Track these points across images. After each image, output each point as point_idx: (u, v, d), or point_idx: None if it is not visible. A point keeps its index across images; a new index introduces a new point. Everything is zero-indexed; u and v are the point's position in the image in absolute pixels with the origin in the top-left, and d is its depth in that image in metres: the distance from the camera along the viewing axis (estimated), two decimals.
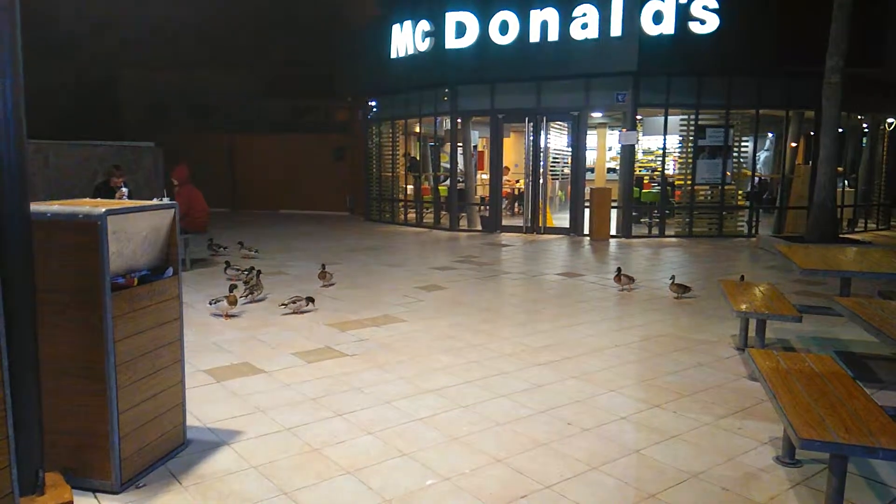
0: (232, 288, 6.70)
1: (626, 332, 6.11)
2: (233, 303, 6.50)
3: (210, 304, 6.50)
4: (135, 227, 3.20)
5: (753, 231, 13.51)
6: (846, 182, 14.87)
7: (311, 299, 6.76)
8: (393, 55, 15.11)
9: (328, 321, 6.40)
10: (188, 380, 4.65)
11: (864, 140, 15.51)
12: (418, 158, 16.31)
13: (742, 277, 6.68)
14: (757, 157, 14.96)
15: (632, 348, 5.62)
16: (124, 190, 9.11)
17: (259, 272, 7.60)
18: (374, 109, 17.22)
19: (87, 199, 3.73)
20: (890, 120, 15.43)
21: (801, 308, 5.24)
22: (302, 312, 6.70)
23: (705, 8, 12.11)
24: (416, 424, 3.93)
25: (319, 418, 4.01)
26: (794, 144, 14.34)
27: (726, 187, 13.28)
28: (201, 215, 9.06)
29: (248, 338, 5.82)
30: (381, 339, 5.82)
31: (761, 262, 10.39)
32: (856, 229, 14.49)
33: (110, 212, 2.95)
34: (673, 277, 7.66)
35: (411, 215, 16.09)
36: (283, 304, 6.70)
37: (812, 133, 14.57)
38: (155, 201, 9.07)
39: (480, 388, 4.56)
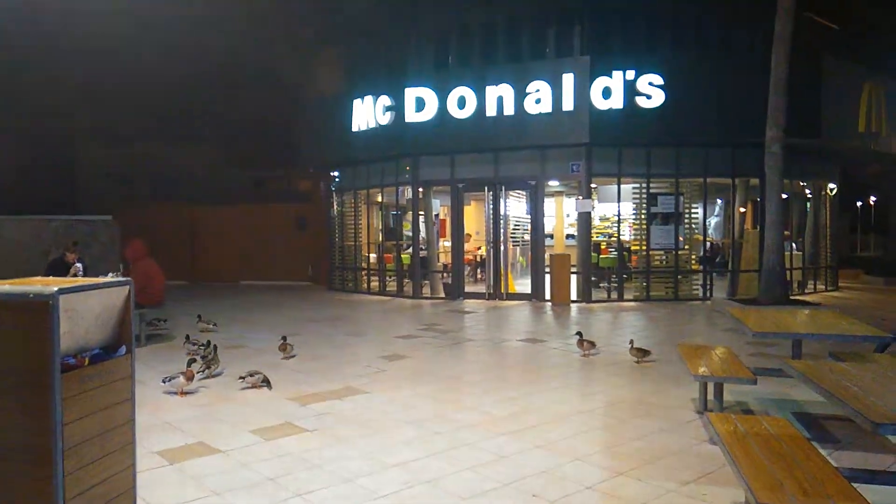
0: (189, 363, 6.51)
1: (590, 399, 6.13)
2: (189, 378, 6.31)
3: (163, 381, 6.29)
4: (87, 306, 3.14)
5: (708, 294, 13.86)
6: (794, 245, 15.49)
7: (266, 381, 6.54)
8: (354, 128, 15.44)
9: (288, 395, 6.25)
10: (139, 462, 4.47)
11: (808, 205, 16.29)
12: (392, 227, 16.48)
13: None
14: (708, 223, 15.53)
15: (596, 415, 5.63)
16: (79, 266, 8.91)
17: (215, 346, 7.43)
18: (337, 180, 17.42)
19: (39, 278, 3.65)
20: (831, 186, 16.28)
21: (757, 371, 5.36)
22: (261, 386, 6.53)
23: (651, 84, 12.81)
24: (379, 503, 3.82)
25: (278, 500, 3.87)
26: (742, 210, 14.97)
27: (680, 252, 13.69)
28: (157, 290, 8.87)
29: (205, 416, 5.63)
30: (342, 412, 5.70)
31: (717, 325, 10.63)
32: (806, 291, 15.00)
33: (63, 290, 2.89)
34: (632, 342, 7.76)
35: (374, 284, 16.07)
36: (241, 378, 6.53)
37: (758, 199, 15.27)
38: (110, 276, 8.93)
39: (445, 461, 4.48)
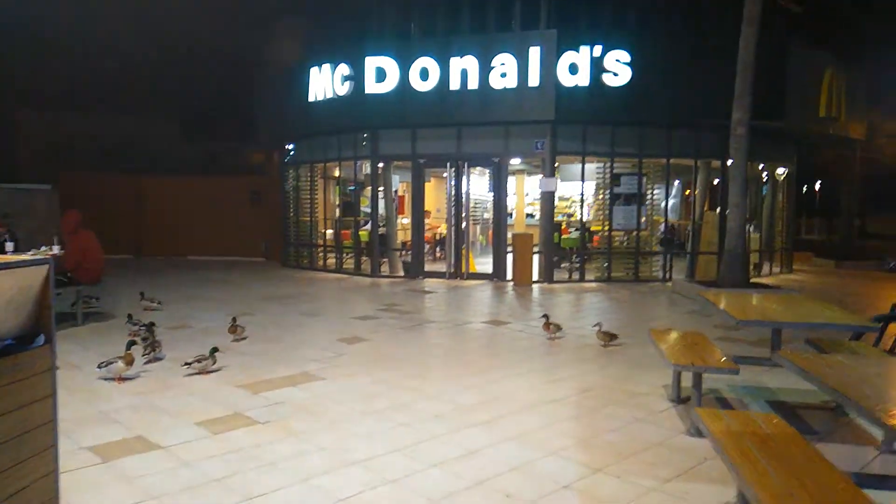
0: (129, 345, 5.95)
1: (559, 385, 5.87)
2: (129, 363, 5.78)
3: (99, 367, 5.73)
4: None
5: (667, 276, 13.85)
6: (750, 228, 15.61)
7: (214, 350, 6.14)
8: (311, 98, 14.77)
9: (238, 382, 5.80)
10: (68, 460, 4.01)
11: (765, 188, 16.42)
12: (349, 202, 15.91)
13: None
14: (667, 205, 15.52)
15: (567, 403, 5.37)
16: (9, 244, 8.12)
17: (151, 325, 6.91)
18: (292, 153, 16.72)
19: None
20: (780, 170, 16.42)
21: (736, 359, 5.17)
22: (208, 372, 6.06)
23: (618, 61, 12.56)
24: None
25: None
26: (699, 193, 14.97)
27: (641, 233, 13.61)
28: (95, 265, 8.20)
29: (144, 405, 5.14)
30: (297, 401, 5.29)
31: (679, 307, 10.56)
32: (762, 273, 15.17)
33: None
34: (599, 325, 7.55)
35: (331, 261, 15.55)
36: (186, 364, 6.04)
37: (716, 181, 15.31)
38: (43, 251, 8.21)
39: (410, 458, 4.14)
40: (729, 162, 12.02)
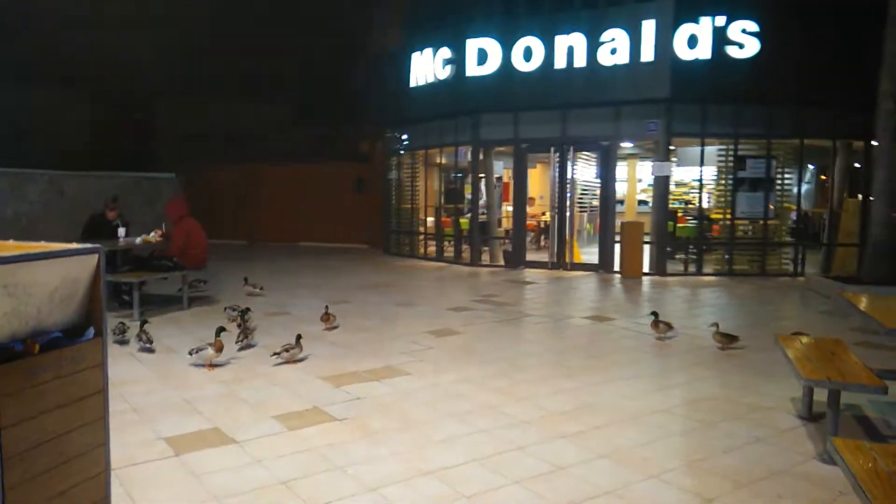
0: (219, 331, 5.93)
1: (667, 393, 5.23)
2: (218, 350, 5.77)
3: (190, 353, 5.78)
4: (36, 278, 2.50)
5: (799, 270, 12.46)
6: None
7: (298, 338, 6.03)
8: (412, 83, 14.59)
9: (323, 373, 5.64)
10: (142, 450, 3.97)
11: None
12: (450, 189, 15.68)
13: (796, 333, 5.75)
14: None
15: (674, 415, 4.74)
16: (121, 230, 8.52)
17: (243, 312, 6.95)
18: (393, 139, 16.68)
19: None
20: None
21: (881, 373, 4.33)
22: (295, 361, 5.96)
23: (744, 31, 11.35)
24: None
25: None
26: (837, 177, 13.32)
27: (769, 222, 12.30)
28: (198, 251, 8.42)
29: (228, 394, 5.08)
30: (378, 397, 5.03)
31: (812, 307, 9.39)
32: None
33: None
34: (717, 325, 6.75)
35: (431, 249, 15.37)
36: (275, 354, 5.96)
37: (857, 165, 13.58)
38: (152, 236, 8.53)
39: (490, 470, 3.73)
40: (873, 143, 10.54)
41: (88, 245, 2.74)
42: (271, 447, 4.04)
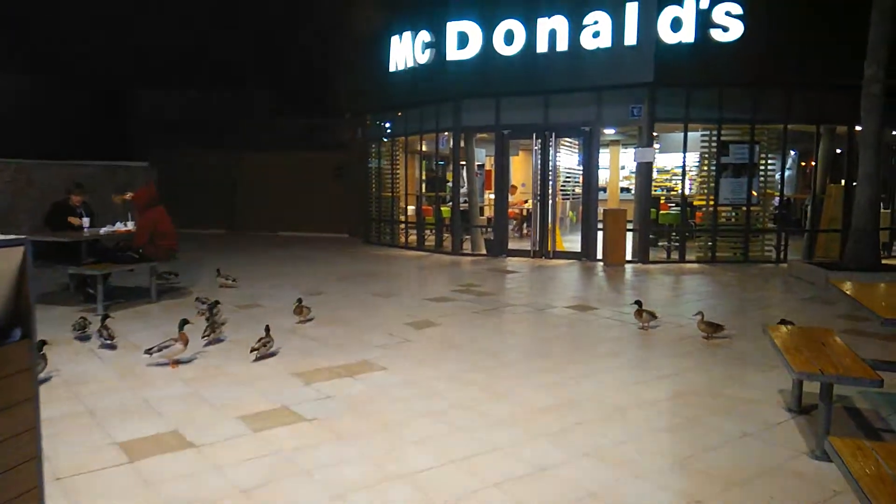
0: (182, 324, 5.59)
1: (652, 386, 5.04)
2: (185, 343, 5.46)
3: (148, 353, 5.39)
4: None
5: (781, 256, 12.37)
6: (881, 203, 13.70)
7: (268, 329, 5.79)
8: (392, 68, 14.24)
9: (294, 369, 5.37)
10: (93, 456, 3.70)
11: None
12: (431, 177, 15.38)
13: (783, 321, 5.57)
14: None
15: (660, 409, 4.55)
16: (85, 220, 8.13)
17: (212, 305, 6.65)
18: (373, 126, 16.33)
19: None
20: None
21: (874, 364, 4.16)
22: (267, 356, 5.69)
23: (728, 14, 11.14)
24: None
25: None
26: (821, 163, 13.22)
27: (752, 208, 12.18)
28: (166, 241, 8.07)
29: (191, 394, 4.79)
30: (350, 395, 4.78)
31: (796, 293, 9.27)
32: (892, 253, 13.31)
33: None
34: (701, 314, 6.57)
35: (412, 238, 15.10)
36: (253, 350, 5.65)
37: (839, 151, 13.50)
38: (118, 226, 8.17)
39: (466, 473, 3.51)
40: (858, 128, 10.42)
41: (11, 236, 2.45)
42: (233, 451, 3.78)
